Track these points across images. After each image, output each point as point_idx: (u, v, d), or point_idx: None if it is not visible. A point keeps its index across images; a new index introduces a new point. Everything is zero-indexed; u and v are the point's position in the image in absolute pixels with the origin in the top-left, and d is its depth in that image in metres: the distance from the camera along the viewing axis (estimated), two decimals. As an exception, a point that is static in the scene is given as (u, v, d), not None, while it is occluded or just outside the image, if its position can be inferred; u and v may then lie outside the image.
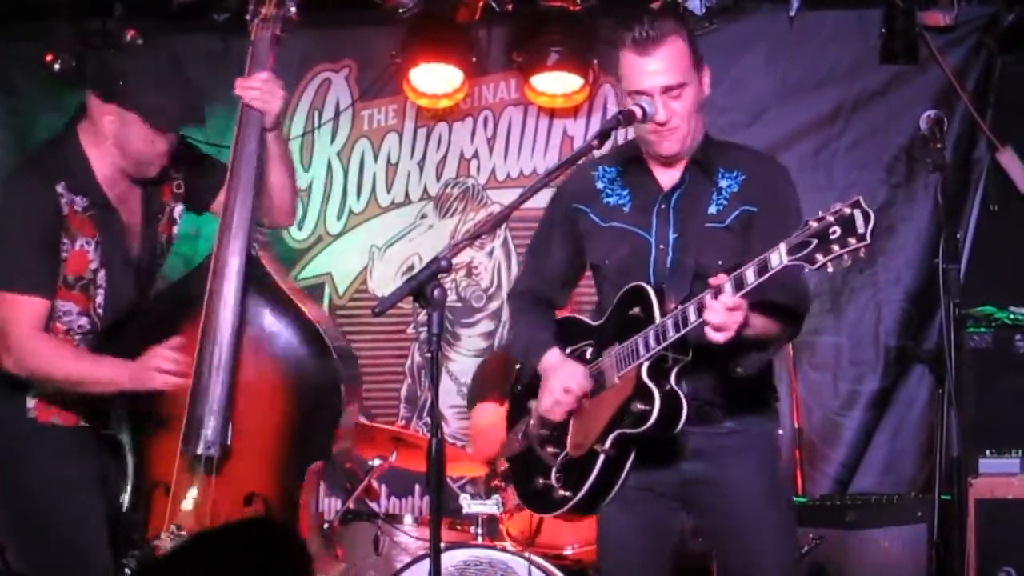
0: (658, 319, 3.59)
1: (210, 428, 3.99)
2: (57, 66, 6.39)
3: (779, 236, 3.35)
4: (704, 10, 6.19)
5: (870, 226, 3.23)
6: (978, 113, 6.26)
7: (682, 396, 3.58)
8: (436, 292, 3.29)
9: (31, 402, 4.09)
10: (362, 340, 6.51)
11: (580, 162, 3.84)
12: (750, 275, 3.39)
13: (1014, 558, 4.98)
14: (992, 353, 5.23)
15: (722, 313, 3.40)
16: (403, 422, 6.53)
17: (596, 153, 3.78)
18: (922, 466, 6.12)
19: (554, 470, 3.84)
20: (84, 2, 6.44)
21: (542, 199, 4.06)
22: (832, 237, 3.26)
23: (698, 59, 3.76)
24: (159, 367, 3.96)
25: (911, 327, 6.32)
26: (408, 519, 5.28)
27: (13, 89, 6.71)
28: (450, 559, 4.86)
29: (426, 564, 4.47)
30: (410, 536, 5.20)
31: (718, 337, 3.43)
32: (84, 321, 4.07)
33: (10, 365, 4.01)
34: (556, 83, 6.48)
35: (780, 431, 4.07)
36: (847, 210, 3.25)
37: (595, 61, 6.39)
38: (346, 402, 4.15)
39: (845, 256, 3.25)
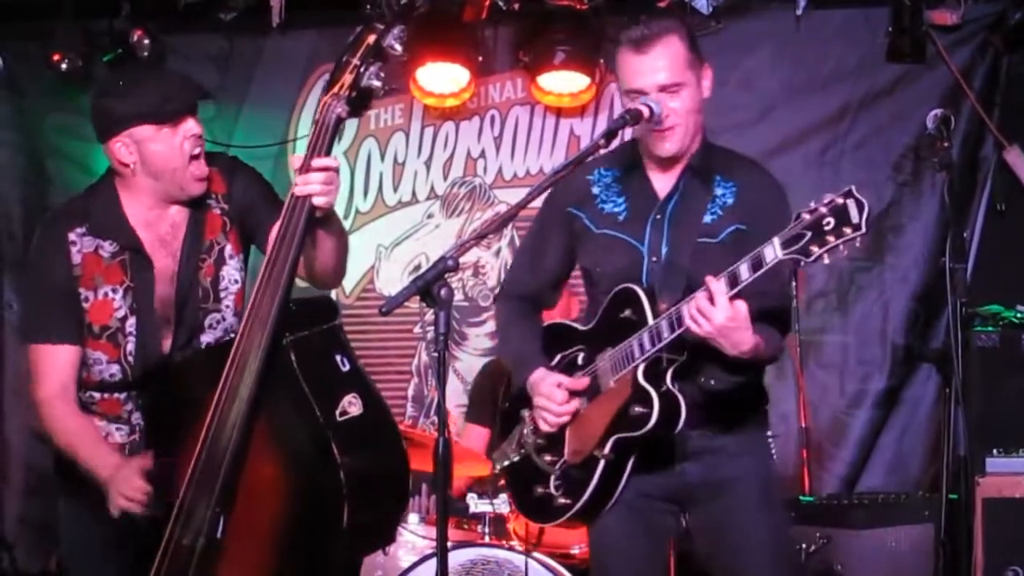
0: (651, 320, 3.56)
1: (204, 520, 3.57)
2: (64, 66, 6.40)
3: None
4: (711, 9, 6.20)
5: (864, 215, 3.21)
6: (985, 112, 6.26)
7: (679, 396, 3.55)
8: (443, 291, 3.28)
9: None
10: (369, 339, 6.53)
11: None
12: (744, 271, 3.37)
13: (1021, 557, 4.98)
14: (999, 352, 5.22)
15: (720, 311, 3.38)
16: (410, 421, 6.55)
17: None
18: (929, 465, 6.12)
19: (552, 478, 3.78)
20: (90, 2, 6.45)
21: (548, 198, 4.10)
22: (826, 228, 3.23)
23: (697, 59, 3.70)
24: (122, 494, 3.69)
25: (918, 326, 6.31)
26: (415, 518, 5.27)
27: (20, 89, 6.72)
28: (457, 558, 4.86)
29: (433, 563, 4.49)
30: (417, 535, 5.20)
31: (718, 340, 3.42)
32: (115, 369, 3.89)
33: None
34: (563, 82, 6.48)
35: (769, 434, 4.06)
36: (840, 200, 3.24)
37: (602, 60, 6.39)
38: (350, 521, 3.50)
39: (841, 247, 3.22)
